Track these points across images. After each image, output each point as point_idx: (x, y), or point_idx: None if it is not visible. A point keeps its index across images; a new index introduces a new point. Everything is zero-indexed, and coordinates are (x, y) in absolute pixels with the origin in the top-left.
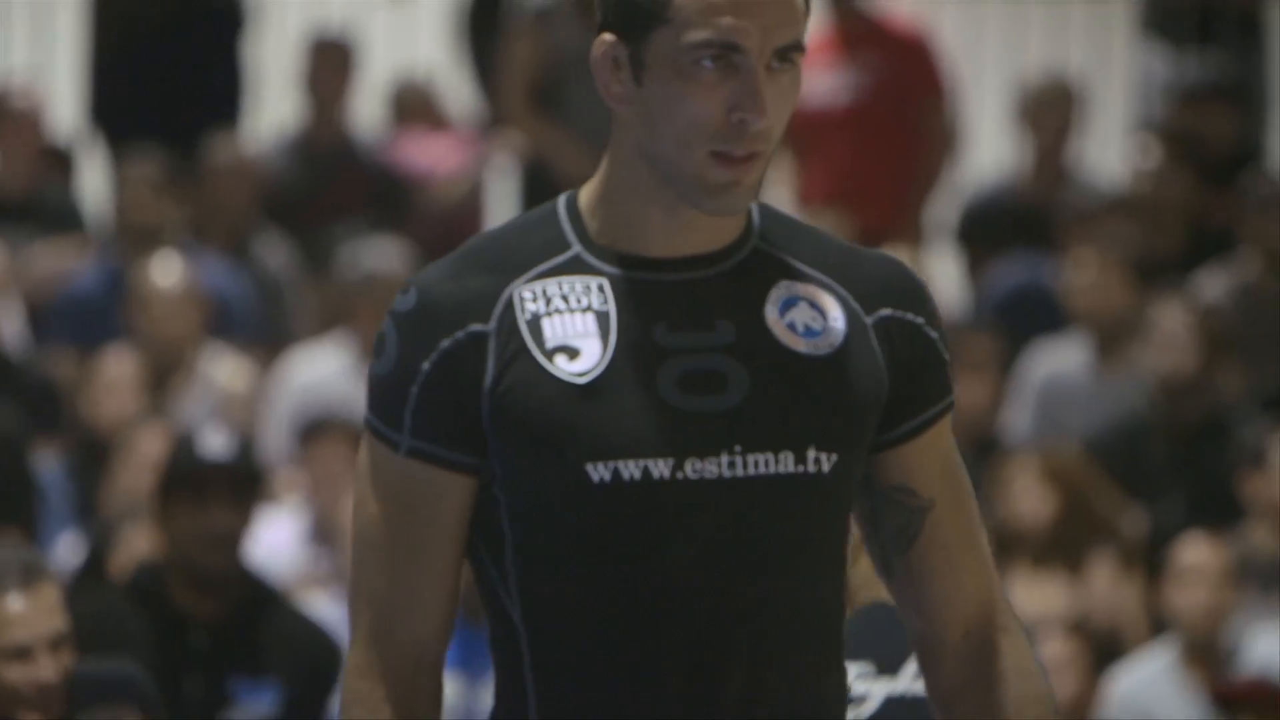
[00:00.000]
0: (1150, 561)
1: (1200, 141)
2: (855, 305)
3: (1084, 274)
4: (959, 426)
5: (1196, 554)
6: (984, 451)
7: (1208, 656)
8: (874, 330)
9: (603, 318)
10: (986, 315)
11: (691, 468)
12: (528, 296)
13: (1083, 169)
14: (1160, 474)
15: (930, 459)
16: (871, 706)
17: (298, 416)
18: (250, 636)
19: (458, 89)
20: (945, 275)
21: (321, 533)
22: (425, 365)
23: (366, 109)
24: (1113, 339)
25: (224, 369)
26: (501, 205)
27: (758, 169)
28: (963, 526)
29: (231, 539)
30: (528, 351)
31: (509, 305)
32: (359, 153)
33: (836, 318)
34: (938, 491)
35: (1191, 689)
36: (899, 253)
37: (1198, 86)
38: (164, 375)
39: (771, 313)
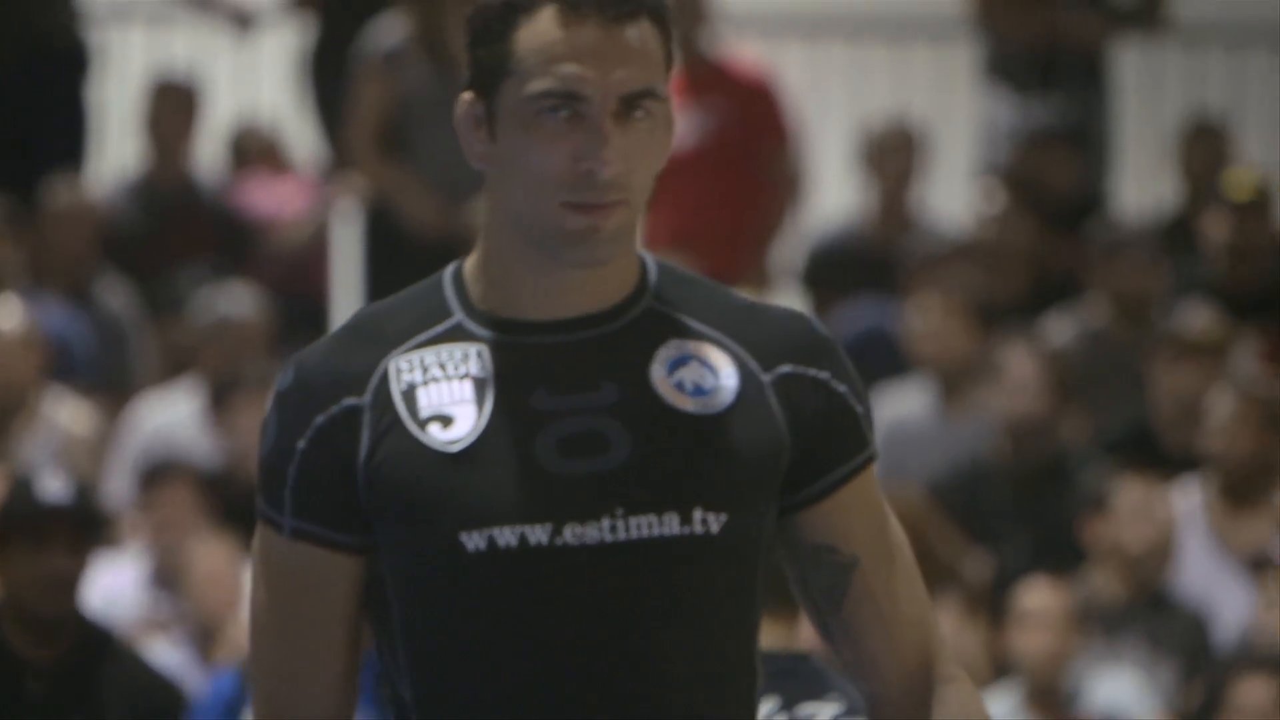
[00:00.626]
0: (993, 605)
1: (1044, 186)
2: (753, 363)
3: (927, 318)
4: None
5: (1039, 598)
6: None
7: (1050, 700)
8: (773, 388)
9: (480, 384)
10: None
11: (571, 533)
12: (404, 367)
13: (927, 214)
14: (1004, 518)
15: (851, 515)
16: None
17: (142, 461)
18: (88, 682)
19: (302, 132)
20: None
21: (163, 578)
22: (301, 444)
23: (210, 152)
24: (956, 383)
25: (65, 412)
26: (346, 249)
27: (617, 216)
28: (893, 581)
29: (69, 583)
30: (401, 423)
31: (384, 377)
32: (202, 196)
33: (729, 375)
34: (861, 547)
35: None
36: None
37: (1041, 132)
38: (4, 418)
39: (658, 372)
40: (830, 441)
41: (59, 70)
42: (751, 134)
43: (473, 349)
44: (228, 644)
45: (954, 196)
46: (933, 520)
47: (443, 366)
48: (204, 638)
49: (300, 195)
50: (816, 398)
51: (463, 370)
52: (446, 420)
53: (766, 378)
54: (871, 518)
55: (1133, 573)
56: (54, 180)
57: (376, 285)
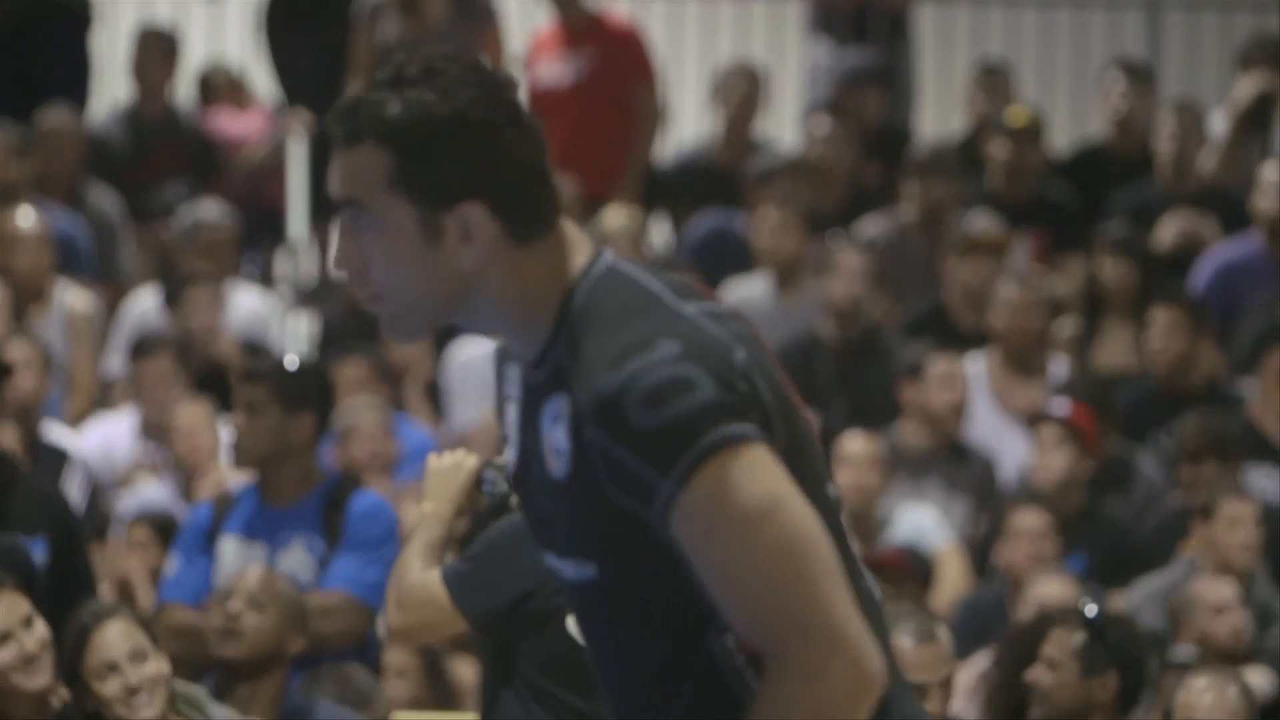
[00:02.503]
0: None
1: (859, 118)
2: (575, 424)
3: (765, 224)
4: None
5: (853, 445)
6: None
7: (865, 527)
8: (586, 450)
9: (517, 411)
10: (685, 258)
11: (550, 560)
12: (508, 376)
13: (765, 139)
14: (828, 383)
15: (682, 534)
16: None
17: (130, 339)
18: (15, 503)
19: (261, 72)
20: (655, 227)
21: (151, 430)
22: None
23: (186, 88)
24: (790, 275)
25: (70, 296)
26: (298, 167)
27: (377, 309)
28: (723, 590)
29: None
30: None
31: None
32: (180, 124)
33: (566, 438)
34: (696, 563)
35: None
36: (619, 211)
37: (856, 73)
38: (26, 302)
39: (545, 427)
40: (628, 495)
41: (68, 23)
42: (621, 75)
43: (515, 372)
44: (205, 483)
45: (787, 125)
46: None
47: (514, 385)
48: (185, 478)
49: (260, 123)
50: (598, 463)
51: (514, 393)
52: (509, 441)
53: (583, 439)
54: (695, 538)
55: (935, 427)
56: (51, 111)
57: (324, 199)
